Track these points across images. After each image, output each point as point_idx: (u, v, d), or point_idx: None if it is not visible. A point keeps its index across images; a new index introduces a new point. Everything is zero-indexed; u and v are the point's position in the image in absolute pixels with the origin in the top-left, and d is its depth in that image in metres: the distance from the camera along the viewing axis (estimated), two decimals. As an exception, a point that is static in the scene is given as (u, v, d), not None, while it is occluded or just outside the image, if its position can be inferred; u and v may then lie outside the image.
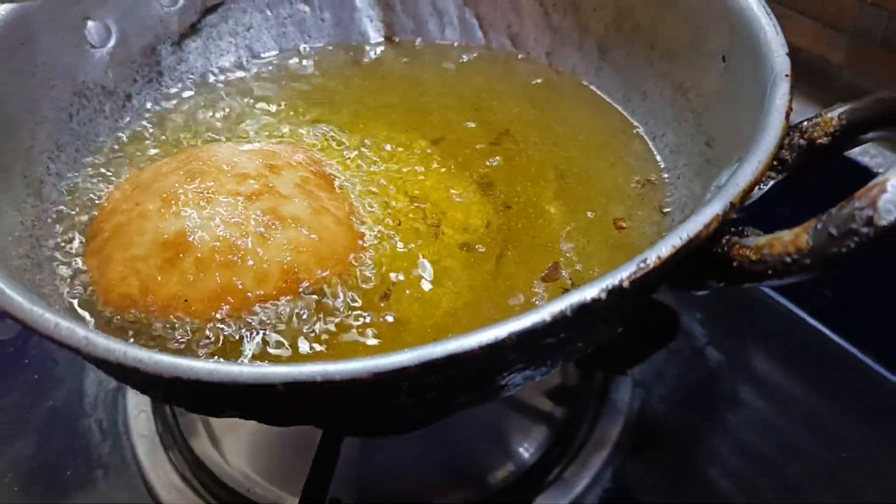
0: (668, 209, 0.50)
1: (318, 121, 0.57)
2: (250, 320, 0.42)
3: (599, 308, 0.32)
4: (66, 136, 0.53)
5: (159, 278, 0.42)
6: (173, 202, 0.45)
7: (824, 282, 0.70)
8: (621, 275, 0.33)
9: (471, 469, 0.55)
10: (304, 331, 0.43)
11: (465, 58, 0.62)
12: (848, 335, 0.66)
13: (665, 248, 0.33)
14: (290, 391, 0.31)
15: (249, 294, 0.43)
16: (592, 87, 0.58)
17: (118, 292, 0.43)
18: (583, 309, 0.32)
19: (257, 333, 0.42)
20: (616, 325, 0.40)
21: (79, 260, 0.47)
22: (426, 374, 0.31)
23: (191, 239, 0.43)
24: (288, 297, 0.43)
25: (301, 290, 0.44)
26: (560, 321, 0.32)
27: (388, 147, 0.54)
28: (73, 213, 0.50)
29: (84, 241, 0.48)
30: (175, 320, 0.42)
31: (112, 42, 0.56)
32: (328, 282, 0.44)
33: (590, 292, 0.32)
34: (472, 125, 0.56)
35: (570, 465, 0.55)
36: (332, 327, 0.43)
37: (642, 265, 0.33)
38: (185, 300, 0.42)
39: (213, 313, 0.42)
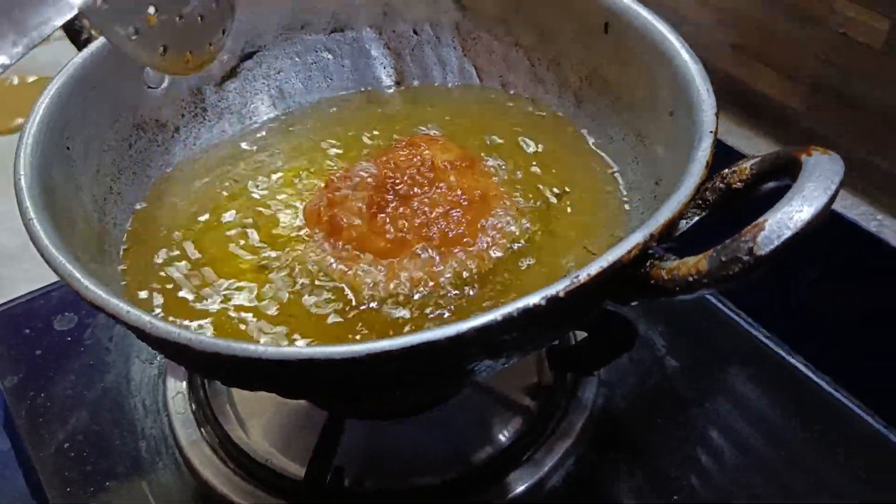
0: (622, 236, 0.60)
1: (336, 147, 0.68)
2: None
3: (542, 312, 0.42)
4: (126, 161, 0.63)
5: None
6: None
7: (778, 302, 0.80)
8: (558, 287, 0.42)
9: (458, 450, 0.65)
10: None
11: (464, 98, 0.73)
12: (797, 348, 0.76)
13: (594, 268, 0.43)
14: (289, 368, 0.41)
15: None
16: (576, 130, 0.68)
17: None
18: (527, 312, 0.42)
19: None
20: (563, 328, 0.49)
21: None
22: (404, 358, 0.41)
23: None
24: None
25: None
26: (509, 321, 0.41)
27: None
28: (127, 225, 0.61)
29: (126, 247, 0.59)
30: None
31: (165, 83, 0.67)
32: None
33: (532, 299, 0.42)
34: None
35: (540, 450, 0.65)
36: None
37: (575, 280, 0.42)
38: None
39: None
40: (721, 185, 0.50)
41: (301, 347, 0.41)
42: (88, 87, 0.60)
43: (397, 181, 0.57)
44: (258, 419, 0.68)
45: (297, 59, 0.73)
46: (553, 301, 0.42)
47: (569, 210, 0.61)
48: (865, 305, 0.79)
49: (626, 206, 0.62)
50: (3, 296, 0.81)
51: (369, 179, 0.58)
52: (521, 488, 0.63)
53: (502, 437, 0.66)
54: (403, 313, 0.53)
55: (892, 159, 0.77)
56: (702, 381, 0.70)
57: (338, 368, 0.41)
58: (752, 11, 0.84)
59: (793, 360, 0.72)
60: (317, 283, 0.55)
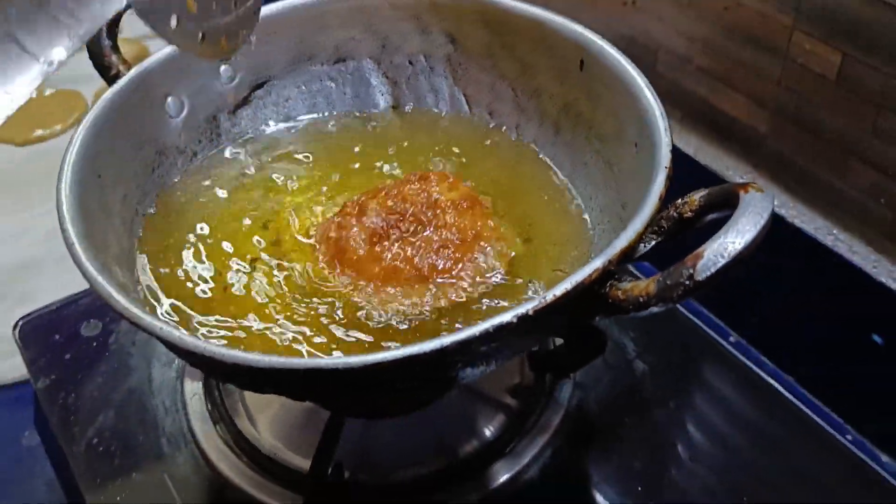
0: (592, 255, 0.67)
1: (337, 170, 0.75)
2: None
3: (514, 328, 0.49)
4: (150, 185, 0.71)
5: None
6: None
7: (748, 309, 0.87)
8: (528, 306, 0.50)
9: (445, 444, 0.72)
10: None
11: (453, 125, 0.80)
12: (763, 352, 0.84)
13: (559, 290, 0.50)
14: (294, 377, 0.48)
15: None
16: (547, 160, 0.75)
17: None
18: (501, 328, 0.49)
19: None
20: (535, 340, 0.57)
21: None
22: (397, 369, 0.48)
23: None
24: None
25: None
26: (486, 336, 0.49)
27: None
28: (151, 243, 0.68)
29: (148, 260, 0.66)
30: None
31: (185, 112, 0.74)
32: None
33: (505, 317, 0.49)
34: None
35: (520, 443, 0.72)
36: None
37: (542, 301, 0.50)
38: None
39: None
40: (674, 214, 0.57)
41: (307, 359, 0.48)
42: (118, 119, 0.67)
43: (402, 216, 0.65)
44: (267, 417, 0.75)
45: (303, 87, 0.80)
46: (523, 318, 0.49)
47: (543, 237, 0.69)
48: (823, 310, 0.86)
49: (593, 231, 0.69)
50: (30, 304, 0.88)
51: (378, 211, 0.66)
52: (503, 478, 0.71)
53: (486, 432, 0.73)
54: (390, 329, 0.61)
55: (847, 180, 0.84)
56: (669, 383, 0.78)
57: (340, 377, 0.49)
58: (719, 40, 0.91)
59: (753, 366, 0.79)
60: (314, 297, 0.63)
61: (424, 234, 0.64)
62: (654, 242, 0.58)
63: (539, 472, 0.71)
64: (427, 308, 0.61)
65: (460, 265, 0.63)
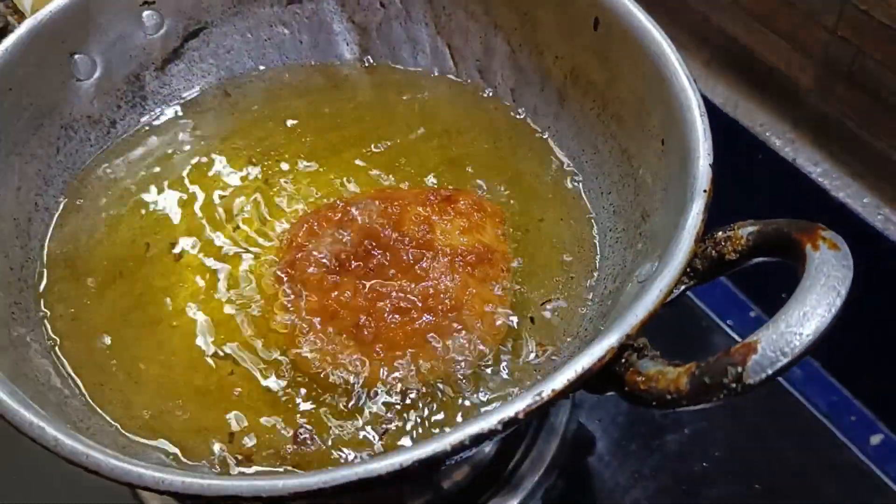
0: (600, 272, 0.54)
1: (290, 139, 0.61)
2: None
3: (496, 433, 0.37)
4: (54, 169, 0.57)
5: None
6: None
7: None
8: (517, 407, 0.37)
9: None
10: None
11: (435, 88, 0.65)
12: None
13: (560, 382, 0.38)
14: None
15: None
16: (547, 137, 0.61)
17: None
18: (479, 437, 0.37)
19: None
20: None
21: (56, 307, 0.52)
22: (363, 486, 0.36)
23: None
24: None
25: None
26: (459, 447, 0.37)
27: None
28: (55, 246, 0.55)
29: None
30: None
31: (97, 73, 0.59)
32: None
33: (487, 423, 0.37)
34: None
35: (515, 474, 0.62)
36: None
37: (537, 398, 0.37)
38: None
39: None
40: (713, 254, 0.44)
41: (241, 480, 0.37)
42: (5, 87, 0.53)
43: (384, 247, 0.51)
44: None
45: (248, 34, 0.65)
46: (510, 423, 0.37)
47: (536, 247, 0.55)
48: (868, 302, 0.74)
49: (608, 235, 0.56)
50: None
51: (359, 225, 0.52)
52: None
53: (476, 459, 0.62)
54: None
55: (907, 152, 0.70)
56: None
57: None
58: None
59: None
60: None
61: (396, 283, 0.50)
62: (682, 288, 0.46)
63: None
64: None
65: (432, 339, 0.49)
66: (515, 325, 0.50)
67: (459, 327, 0.49)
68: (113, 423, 0.47)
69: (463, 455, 0.39)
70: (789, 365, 0.36)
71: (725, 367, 0.37)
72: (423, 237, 0.51)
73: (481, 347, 0.49)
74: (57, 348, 0.50)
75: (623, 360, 0.41)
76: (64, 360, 0.50)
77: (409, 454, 0.36)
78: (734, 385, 0.36)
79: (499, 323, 0.50)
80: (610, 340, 0.39)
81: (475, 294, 0.50)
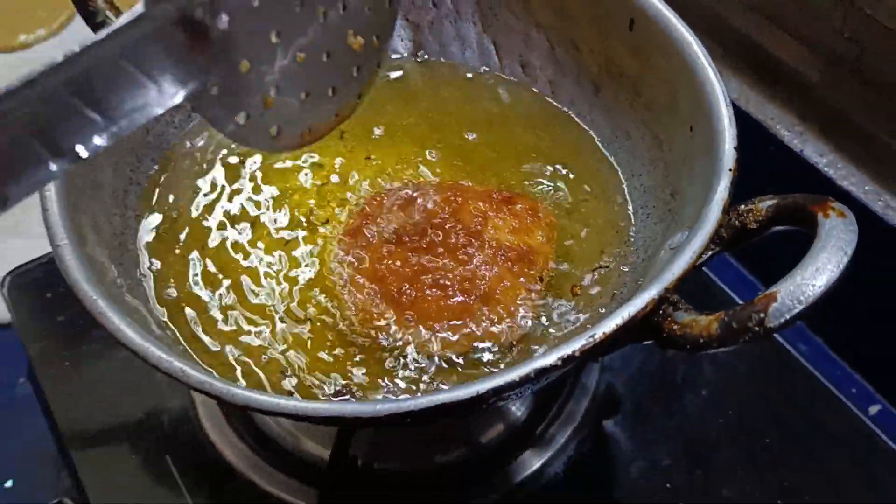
0: (634, 243, 0.61)
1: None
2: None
3: (557, 368, 0.44)
4: (144, 148, 0.64)
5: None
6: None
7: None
8: (574, 346, 0.44)
9: (472, 431, 0.69)
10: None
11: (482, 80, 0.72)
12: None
13: (609, 326, 0.45)
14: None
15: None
16: (584, 126, 0.68)
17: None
18: (542, 370, 0.44)
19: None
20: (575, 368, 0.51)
21: (155, 263, 0.59)
22: (431, 414, 0.43)
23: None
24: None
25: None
26: (524, 379, 0.43)
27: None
28: (146, 215, 0.62)
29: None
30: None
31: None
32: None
33: (549, 359, 0.44)
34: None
35: (548, 431, 0.69)
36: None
37: (590, 339, 0.44)
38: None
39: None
40: (736, 223, 0.51)
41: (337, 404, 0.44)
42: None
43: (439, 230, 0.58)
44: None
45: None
46: (567, 359, 0.44)
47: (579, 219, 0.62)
48: (870, 283, 0.81)
49: (638, 212, 0.62)
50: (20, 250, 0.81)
51: (421, 206, 0.60)
52: (532, 468, 0.68)
53: (512, 418, 0.69)
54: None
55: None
56: (697, 367, 0.73)
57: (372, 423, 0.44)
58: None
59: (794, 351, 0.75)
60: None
61: (440, 262, 0.57)
62: (710, 254, 0.52)
63: (565, 462, 0.68)
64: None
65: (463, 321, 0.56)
66: (530, 327, 0.57)
67: (487, 311, 0.56)
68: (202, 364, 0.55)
69: (526, 388, 0.46)
70: (804, 312, 0.43)
71: (750, 314, 0.43)
72: (474, 227, 0.58)
73: (504, 339, 0.55)
74: (154, 304, 0.57)
75: (661, 311, 0.47)
76: (163, 311, 0.57)
77: (485, 383, 0.43)
78: (757, 328, 0.43)
79: (520, 319, 0.56)
80: (651, 293, 0.46)
81: (508, 287, 0.56)
